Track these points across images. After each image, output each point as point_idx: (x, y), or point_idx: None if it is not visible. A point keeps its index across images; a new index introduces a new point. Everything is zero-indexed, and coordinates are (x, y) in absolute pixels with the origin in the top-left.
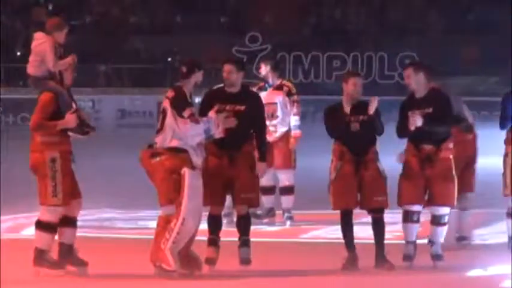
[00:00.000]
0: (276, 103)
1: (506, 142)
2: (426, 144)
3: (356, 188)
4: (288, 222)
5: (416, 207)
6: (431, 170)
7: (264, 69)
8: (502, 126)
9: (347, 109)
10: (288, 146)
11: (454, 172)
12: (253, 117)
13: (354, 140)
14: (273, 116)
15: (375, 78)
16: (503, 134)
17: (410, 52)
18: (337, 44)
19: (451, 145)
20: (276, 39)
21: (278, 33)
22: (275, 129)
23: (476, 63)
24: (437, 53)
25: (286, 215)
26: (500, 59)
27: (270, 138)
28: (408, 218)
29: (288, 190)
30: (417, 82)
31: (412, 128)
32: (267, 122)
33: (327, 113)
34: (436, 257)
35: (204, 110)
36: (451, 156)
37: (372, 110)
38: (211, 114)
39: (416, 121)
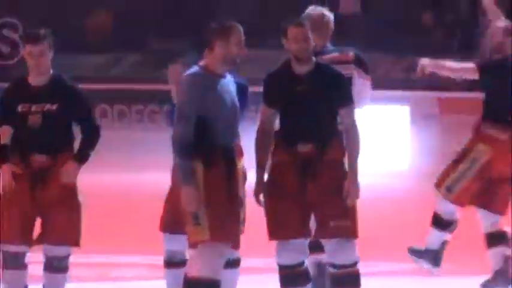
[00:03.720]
0: None
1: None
2: (37, 155)
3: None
4: None
5: (17, 248)
6: (43, 192)
7: None
8: (170, 120)
9: None
10: None
11: (77, 197)
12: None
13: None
14: None
15: None
16: None
17: (10, 19)
18: None
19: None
20: None
21: None
22: None
23: (106, 36)
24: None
25: None
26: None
27: None
28: (7, 263)
29: None
30: None
31: None
32: None
33: None
34: None
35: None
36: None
37: None
38: None
39: None
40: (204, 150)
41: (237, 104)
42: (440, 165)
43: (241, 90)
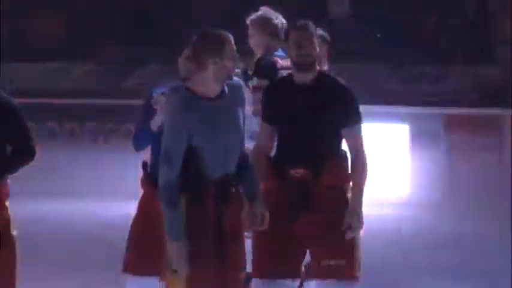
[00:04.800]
0: None
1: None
2: None
3: None
4: None
5: None
6: None
7: None
8: (137, 145)
9: None
10: None
11: (10, 232)
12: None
13: None
14: None
15: None
16: None
17: None
18: None
19: None
20: None
21: None
22: None
23: (55, 42)
24: None
25: None
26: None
27: None
28: None
29: None
30: None
31: None
32: None
33: None
34: None
35: None
36: None
37: None
38: None
39: None
40: (191, 184)
41: (239, 128)
42: (446, 193)
43: None
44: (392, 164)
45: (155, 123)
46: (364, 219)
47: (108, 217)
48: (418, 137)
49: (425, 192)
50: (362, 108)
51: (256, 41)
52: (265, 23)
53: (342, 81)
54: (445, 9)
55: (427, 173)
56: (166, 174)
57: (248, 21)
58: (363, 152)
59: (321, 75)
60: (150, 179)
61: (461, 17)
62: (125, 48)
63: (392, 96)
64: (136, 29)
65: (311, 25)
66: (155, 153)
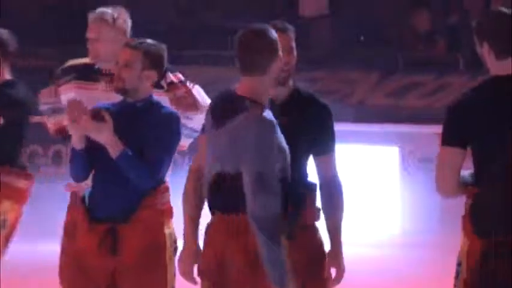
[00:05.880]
0: None
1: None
2: None
3: None
4: None
5: None
6: None
7: None
8: (76, 173)
9: None
10: None
11: None
12: None
13: None
14: None
15: None
16: None
17: None
18: None
19: None
20: None
21: None
22: None
23: None
24: None
25: None
26: None
27: None
28: None
29: None
30: None
31: None
32: None
33: None
34: None
35: None
36: None
37: None
38: None
39: None
40: (288, 217)
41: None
42: (446, 227)
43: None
44: (378, 194)
45: (77, 140)
46: (346, 261)
47: (39, 259)
48: (409, 160)
49: (417, 228)
50: (339, 126)
51: (108, 43)
52: (122, 23)
53: (320, 98)
54: (441, 6)
55: (421, 204)
56: (267, 205)
57: (94, 19)
58: (340, 183)
59: (296, 91)
60: (87, 214)
61: (460, 15)
62: (56, 48)
63: (377, 112)
64: (68, 28)
65: (289, 26)
66: (94, 174)
